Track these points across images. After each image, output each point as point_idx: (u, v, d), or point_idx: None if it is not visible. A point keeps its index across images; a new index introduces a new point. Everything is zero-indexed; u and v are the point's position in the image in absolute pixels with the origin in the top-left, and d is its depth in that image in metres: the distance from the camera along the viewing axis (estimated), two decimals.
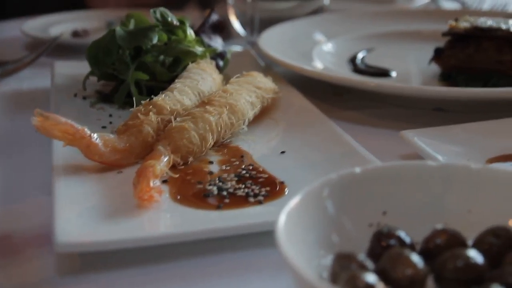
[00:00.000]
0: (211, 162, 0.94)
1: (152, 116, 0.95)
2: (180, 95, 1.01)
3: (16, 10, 2.33)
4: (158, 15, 1.19)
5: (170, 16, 1.21)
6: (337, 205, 0.68)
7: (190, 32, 1.22)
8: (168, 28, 1.20)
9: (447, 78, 1.31)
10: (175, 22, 1.20)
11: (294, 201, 0.64)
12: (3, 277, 0.73)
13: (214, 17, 1.29)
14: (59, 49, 1.59)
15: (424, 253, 0.65)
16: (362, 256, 0.61)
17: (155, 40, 1.16)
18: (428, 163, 0.73)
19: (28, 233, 0.82)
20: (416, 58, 1.44)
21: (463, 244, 0.65)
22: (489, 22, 1.28)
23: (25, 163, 1.03)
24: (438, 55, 1.31)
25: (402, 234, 0.66)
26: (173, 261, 0.75)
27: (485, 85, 1.23)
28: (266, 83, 1.11)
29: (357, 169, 0.71)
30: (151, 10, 1.21)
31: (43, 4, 2.39)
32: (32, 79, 1.42)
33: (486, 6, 2.01)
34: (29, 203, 0.90)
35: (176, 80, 1.09)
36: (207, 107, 0.96)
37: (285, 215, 0.62)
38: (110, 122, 1.10)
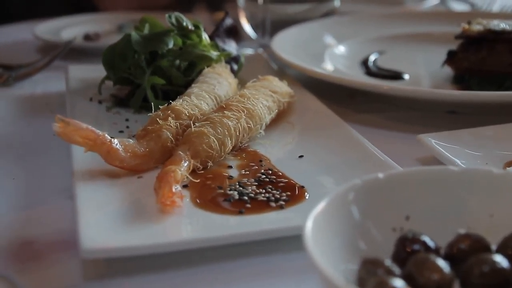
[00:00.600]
0: (230, 167, 0.94)
1: (171, 121, 0.95)
2: (197, 100, 1.02)
3: (25, 12, 2.34)
4: (173, 20, 1.20)
5: (185, 20, 1.21)
6: (361, 210, 0.68)
7: (205, 37, 1.23)
8: (183, 32, 1.21)
9: (460, 81, 1.31)
10: (190, 27, 1.21)
11: (320, 206, 0.65)
12: (27, 283, 0.73)
13: (228, 21, 1.30)
14: (71, 52, 1.59)
15: (448, 258, 0.65)
16: (388, 262, 0.62)
17: (170, 45, 1.16)
18: (450, 168, 0.74)
19: (51, 238, 0.82)
20: (427, 61, 1.45)
21: (487, 249, 0.65)
22: (502, 25, 1.28)
23: (42, 168, 1.03)
24: (451, 58, 1.31)
25: (426, 239, 0.66)
26: (195, 266, 0.75)
27: (498, 88, 1.24)
28: (282, 87, 1.11)
29: (380, 175, 0.71)
30: (167, 15, 1.21)
31: (52, 6, 2.40)
32: (45, 83, 1.43)
33: (496, 7, 2.01)
34: (49, 208, 0.91)
35: (193, 85, 1.09)
36: (225, 112, 0.97)
37: (312, 220, 0.63)
38: (127, 127, 1.10)
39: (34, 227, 0.85)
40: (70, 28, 1.82)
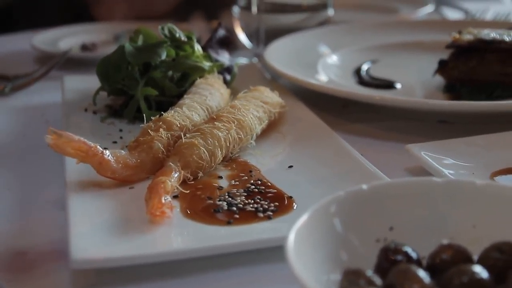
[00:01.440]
0: (220, 177, 0.96)
1: (162, 133, 0.97)
2: (189, 111, 1.03)
3: (24, 22, 2.35)
4: (166, 31, 1.22)
5: (178, 32, 1.23)
6: (344, 221, 0.70)
7: (198, 48, 1.24)
8: (176, 44, 1.22)
9: (451, 89, 1.32)
10: (183, 38, 1.22)
11: (302, 219, 0.66)
12: None
13: (221, 32, 1.31)
14: (68, 62, 1.60)
15: (430, 269, 0.67)
16: (370, 272, 0.63)
17: (163, 56, 1.18)
18: (434, 179, 0.75)
19: (43, 248, 0.83)
20: (420, 69, 1.46)
21: (468, 260, 0.66)
22: (493, 34, 1.29)
23: (36, 178, 1.05)
24: (442, 67, 1.33)
25: (409, 249, 0.67)
26: (185, 276, 0.77)
27: (488, 97, 1.25)
28: (273, 97, 1.13)
29: (364, 186, 0.73)
30: (159, 27, 1.23)
31: (50, 16, 2.42)
32: (42, 93, 1.44)
33: (489, 15, 2.02)
34: (42, 219, 0.92)
35: (185, 96, 1.11)
36: (216, 123, 0.98)
37: (294, 233, 0.64)
38: (121, 137, 1.12)
39: (27, 238, 0.86)
40: (68, 38, 1.83)
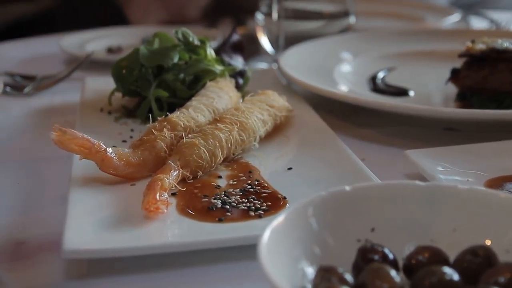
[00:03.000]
0: (219, 177, 0.98)
1: (166, 132, 1.00)
2: (194, 113, 1.06)
3: (58, 24, 2.43)
4: (180, 35, 1.25)
5: (191, 36, 1.26)
6: (323, 221, 0.71)
7: (211, 52, 1.27)
8: (190, 47, 1.26)
9: (463, 98, 1.33)
10: (196, 42, 1.26)
11: (279, 218, 0.68)
12: (13, 280, 0.78)
13: (235, 37, 1.34)
14: (93, 65, 1.66)
15: (407, 269, 0.68)
16: (342, 270, 0.65)
17: (176, 59, 1.21)
18: (417, 183, 0.76)
19: (41, 239, 0.87)
20: (435, 78, 1.46)
21: (445, 262, 0.68)
22: (506, 44, 1.29)
23: (47, 175, 1.09)
24: (455, 76, 1.33)
25: (386, 250, 0.69)
26: (175, 269, 0.79)
27: (499, 106, 1.25)
28: (279, 101, 1.15)
29: (347, 187, 0.75)
30: (174, 31, 1.27)
31: (84, 18, 2.49)
32: (64, 94, 1.49)
33: None
34: (45, 213, 0.95)
35: (193, 98, 1.14)
36: (218, 124, 1.01)
37: (269, 231, 0.66)
38: (131, 137, 1.15)
39: (27, 229, 0.90)
40: (95, 41, 1.89)
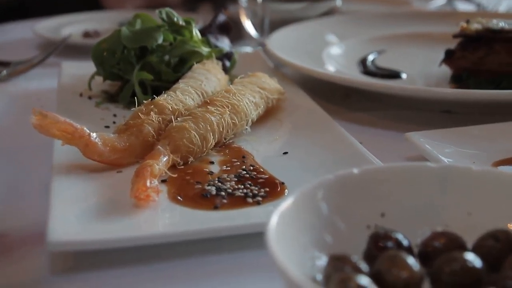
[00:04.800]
0: (212, 163, 0.93)
1: (153, 116, 0.94)
2: (182, 95, 1.01)
3: (32, 11, 2.34)
4: (164, 15, 1.19)
5: (176, 16, 1.20)
6: (332, 206, 0.66)
7: (196, 33, 1.21)
8: (174, 28, 1.19)
9: (458, 80, 1.28)
10: (181, 23, 1.19)
11: (287, 202, 0.63)
12: None
13: (221, 18, 1.28)
14: (69, 49, 1.59)
15: (422, 256, 0.64)
16: (356, 258, 0.60)
17: (160, 40, 1.15)
18: (428, 164, 0.72)
19: (24, 231, 0.81)
20: (427, 60, 1.42)
21: (462, 247, 0.63)
22: (501, 24, 1.25)
23: (28, 163, 1.03)
24: (449, 57, 1.29)
25: (399, 236, 0.64)
26: (168, 261, 0.74)
27: (496, 88, 1.21)
28: (271, 83, 1.09)
29: (355, 170, 0.69)
30: (157, 11, 1.20)
31: (59, 5, 2.41)
32: (40, 79, 1.43)
33: (502, 8, 1.98)
34: (29, 203, 0.90)
35: (180, 81, 1.08)
36: (209, 107, 0.95)
37: (277, 217, 0.61)
38: (114, 122, 1.09)
39: (8, 222, 0.84)
40: (71, 26, 1.82)
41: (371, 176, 0.70)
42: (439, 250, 0.63)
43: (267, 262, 0.71)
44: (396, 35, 1.59)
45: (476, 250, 0.62)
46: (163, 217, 0.79)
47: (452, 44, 1.31)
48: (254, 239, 0.75)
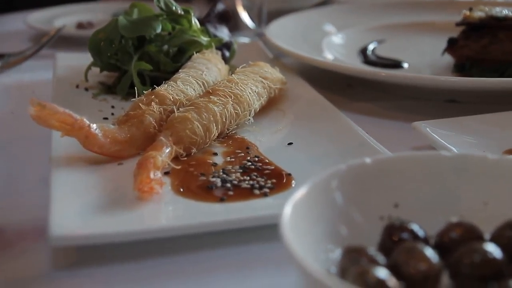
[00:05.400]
0: (215, 154, 0.90)
1: (154, 106, 0.92)
2: (183, 85, 0.98)
3: (24, 3, 2.31)
4: (162, 4, 1.16)
5: (174, 5, 1.17)
6: (346, 196, 0.64)
7: (195, 22, 1.19)
8: (173, 17, 1.17)
9: (461, 69, 1.27)
10: (180, 11, 1.17)
11: (300, 192, 0.61)
12: None
13: (220, 7, 1.26)
14: (63, 41, 1.56)
15: (439, 248, 0.61)
16: (372, 250, 0.58)
17: (158, 30, 1.12)
18: (442, 153, 0.70)
19: (23, 226, 0.79)
20: (429, 50, 1.40)
21: (480, 238, 0.61)
22: (505, 11, 1.23)
23: (24, 156, 1.00)
24: (452, 46, 1.27)
25: (415, 227, 0.62)
26: (173, 255, 0.71)
27: (500, 76, 1.19)
28: (273, 73, 1.07)
29: (368, 160, 0.67)
30: (155, 0, 1.17)
31: None
32: (34, 71, 1.40)
33: None
34: (27, 196, 0.87)
35: (180, 70, 1.06)
36: (211, 97, 0.93)
37: (290, 207, 0.59)
38: (112, 114, 1.07)
39: (7, 216, 0.82)
40: (64, 17, 1.79)
41: (384, 166, 0.68)
42: (456, 241, 0.61)
43: (276, 256, 0.70)
44: (396, 24, 1.57)
45: (494, 240, 0.60)
46: (168, 210, 0.76)
47: (455, 33, 1.29)
48: (261, 231, 0.73)
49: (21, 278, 0.69)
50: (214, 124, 0.90)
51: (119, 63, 1.14)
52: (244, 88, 0.97)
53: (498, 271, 0.56)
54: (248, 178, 0.82)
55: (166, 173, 0.84)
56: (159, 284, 0.68)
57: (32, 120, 0.84)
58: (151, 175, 0.78)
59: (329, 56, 1.37)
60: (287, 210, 0.58)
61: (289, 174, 0.83)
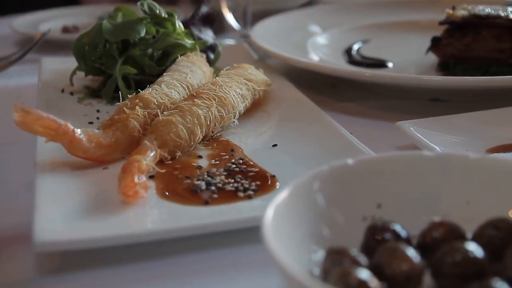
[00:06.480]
0: (200, 157, 0.91)
1: (139, 110, 0.92)
2: (168, 89, 0.98)
3: (9, 7, 2.30)
4: (145, 8, 1.16)
5: (158, 8, 1.17)
6: (328, 198, 0.65)
7: (179, 25, 1.19)
8: (157, 20, 1.17)
9: (445, 68, 1.27)
10: (164, 14, 1.17)
11: (282, 195, 0.61)
12: None
13: (204, 9, 1.26)
14: (48, 45, 1.56)
15: (421, 247, 0.62)
16: (354, 251, 0.58)
17: (142, 33, 1.12)
18: (424, 153, 0.70)
19: (8, 232, 0.79)
20: (412, 49, 1.41)
21: (462, 237, 0.62)
22: (488, 10, 1.24)
23: (9, 161, 1.00)
24: (436, 45, 1.28)
25: (397, 227, 0.62)
26: (158, 259, 0.71)
27: (484, 74, 1.20)
28: (257, 75, 1.07)
29: (350, 161, 0.68)
30: (139, 3, 1.18)
31: (35, 0, 2.36)
32: (20, 76, 1.39)
33: None
34: (11, 202, 0.87)
35: (164, 74, 1.06)
36: (195, 100, 0.93)
37: (272, 209, 0.59)
38: (98, 118, 1.07)
39: None
40: (49, 21, 1.78)
41: (366, 167, 0.68)
42: (439, 240, 0.61)
43: (260, 258, 0.70)
44: (380, 24, 1.57)
45: (476, 239, 0.61)
46: (153, 213, 0.76)
47: (439, 32, 1.30)
48: (246, 234, 0.73)
49: (5, 284, 0.69)
50: (198, 127, 0.91)
51: (103, 67, 1.14)
52: (228, 91, 0.97)
53: (480, 270, 0.56)
54: (233, 180, 0.82)
55: (151, 177, 0.84)
56: None
57: (15, 124, 0.84)
58: (136, 179, 0.78)
59: (314, 56, 1.37)
60: (269, 213, 0.58)
61: (274, 176, 0.84)
